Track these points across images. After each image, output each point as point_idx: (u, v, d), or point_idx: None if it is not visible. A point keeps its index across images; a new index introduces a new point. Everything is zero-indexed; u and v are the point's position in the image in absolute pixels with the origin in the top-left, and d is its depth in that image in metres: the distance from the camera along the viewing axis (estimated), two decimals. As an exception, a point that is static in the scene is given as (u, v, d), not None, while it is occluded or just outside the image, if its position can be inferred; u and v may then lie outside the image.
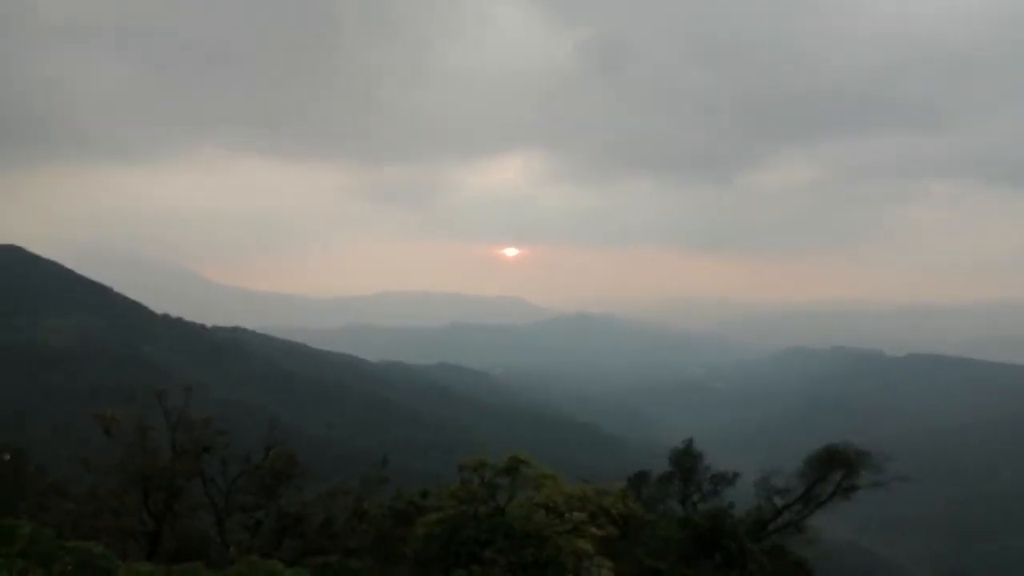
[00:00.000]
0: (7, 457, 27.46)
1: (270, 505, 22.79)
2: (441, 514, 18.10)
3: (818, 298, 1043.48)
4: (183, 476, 22.77)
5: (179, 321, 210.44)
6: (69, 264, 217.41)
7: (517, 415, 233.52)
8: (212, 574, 11.83)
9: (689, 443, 34.30)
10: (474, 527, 17.07)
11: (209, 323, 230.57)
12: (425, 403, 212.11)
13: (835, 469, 31.27)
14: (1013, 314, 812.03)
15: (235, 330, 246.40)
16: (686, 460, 33.26)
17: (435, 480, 23.20)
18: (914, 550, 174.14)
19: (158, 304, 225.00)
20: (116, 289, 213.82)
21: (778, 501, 32.13)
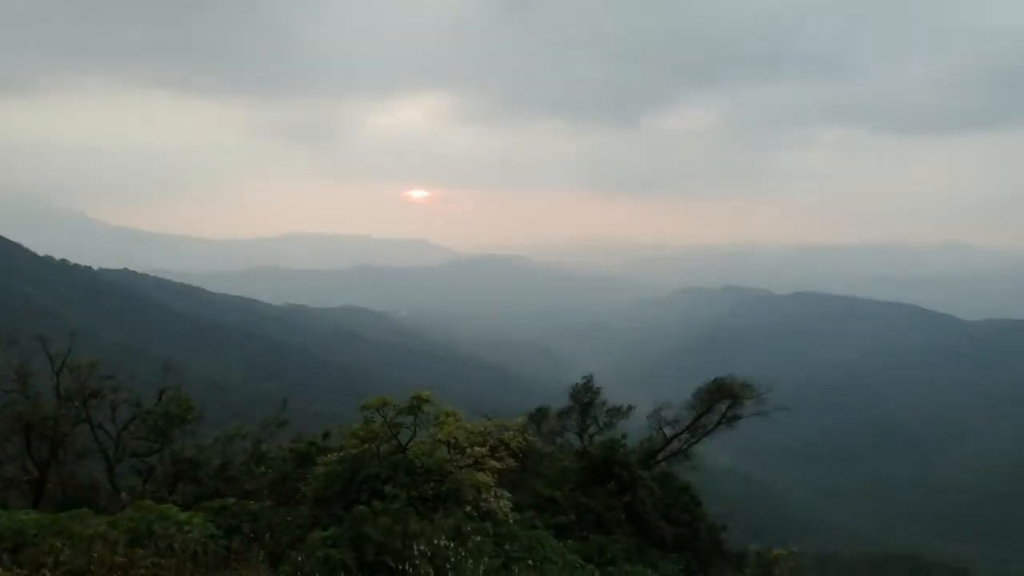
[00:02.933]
0: None
1: (163, 450, 22.27)
2: (343, 453, 18.24)
3: (714, 239, 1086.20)
4: (68, 422, 21.91)
5: (62, 263, 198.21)
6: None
7: (425, 357, 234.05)
8: (101, 519, 11.58)
9: (588, 379, 35.43)
10: (375, 465, 17.30)
11: (97, 265, 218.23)
12: (329, 346, 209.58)
13: (721, 400, 33.27)
14: (892, 254, 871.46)
15: (124, 272, 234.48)
16: (584, 395, 34.43)
17: (338, 422, 23.17)
18: (793, 475, 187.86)
19: (41, 245, 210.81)
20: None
21: (668, 431, 33.96)
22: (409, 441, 19.04)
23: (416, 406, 18.75)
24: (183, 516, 11.62)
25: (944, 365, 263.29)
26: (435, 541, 7.51)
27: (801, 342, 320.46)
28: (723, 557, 28.43)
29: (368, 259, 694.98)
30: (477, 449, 18.77)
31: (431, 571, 6.78)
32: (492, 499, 17.61)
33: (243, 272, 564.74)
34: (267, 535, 14.11)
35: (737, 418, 33.42)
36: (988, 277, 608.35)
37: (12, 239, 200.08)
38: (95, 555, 7.59)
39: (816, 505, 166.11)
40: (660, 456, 33.67)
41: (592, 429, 33.37)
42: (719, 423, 33.58)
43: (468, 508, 16.20)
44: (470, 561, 7.10)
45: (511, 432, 20.17)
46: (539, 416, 35.58)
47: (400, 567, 6.68)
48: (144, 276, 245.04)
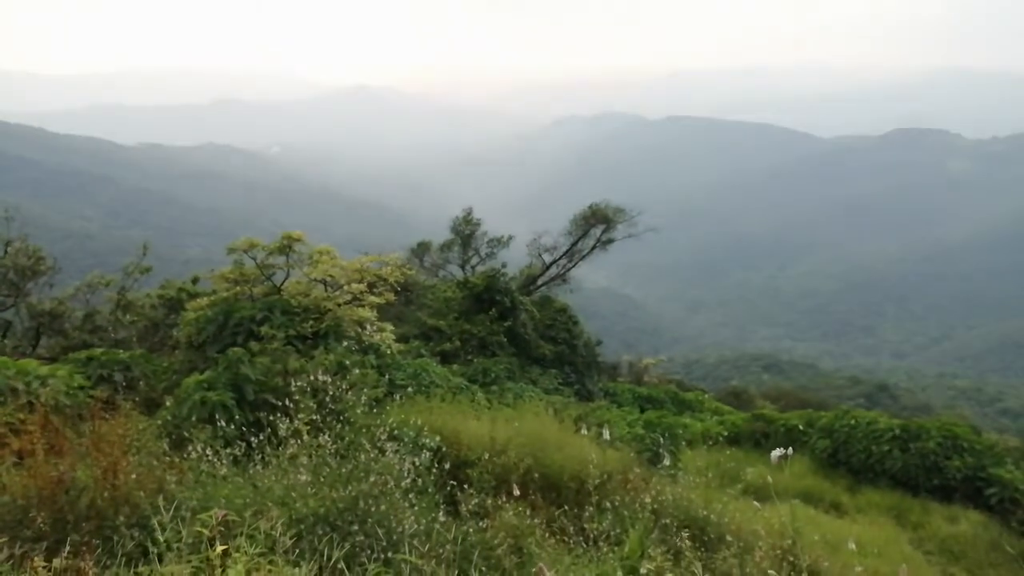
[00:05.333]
0: None
1: (18, 304, 20.77)
2: (214, 297, 17.67)
3: (586, 66, 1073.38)
4: None
5: None
6: None
7: (302, 195, 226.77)
8: (-51, 381, 10.79)
9: (468, 212, 35.53)
10: (249, 307, 16.88)
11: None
12: (192, 187, 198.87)
13: (596, 225, 34.50)
14: (754, 76, 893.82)
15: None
16: (465, 228, 34.67)
17: (210, 267, 22.25)
18: (662, 291, 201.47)
19: None
20: None
21: (547, 258, 35.16)
22: (283, 282, 18.63)
23: (287, 246, 18.20)
24: (45, 370, 11.02)
25: (799, 181, 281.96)
26: (314, 376, 7.48)
27: (671, 165, 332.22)
28: (599, 368, 30.55)
29: (226, 92, 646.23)
30: (355, 286, 18.63)
31: (313, 405, 6.81)
32: (374, 333, 17.74)
33: (85, 110, 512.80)
34: (140, 383, 13.73)
35: (611, 241, 34.95)
36: (841, 95, 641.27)
37: None
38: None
39: (683, 317, 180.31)
40: (540, 281, 34.99)
41: (474, 260, 33.94)
42: (594, 247, 35.04)
43: (349, 343, 16.27)
44: (350, 392, 7.16)
45: (389, 267, 20.10)
46: (421, 250, 35.79)
47: (282, 403, 6.67)
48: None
